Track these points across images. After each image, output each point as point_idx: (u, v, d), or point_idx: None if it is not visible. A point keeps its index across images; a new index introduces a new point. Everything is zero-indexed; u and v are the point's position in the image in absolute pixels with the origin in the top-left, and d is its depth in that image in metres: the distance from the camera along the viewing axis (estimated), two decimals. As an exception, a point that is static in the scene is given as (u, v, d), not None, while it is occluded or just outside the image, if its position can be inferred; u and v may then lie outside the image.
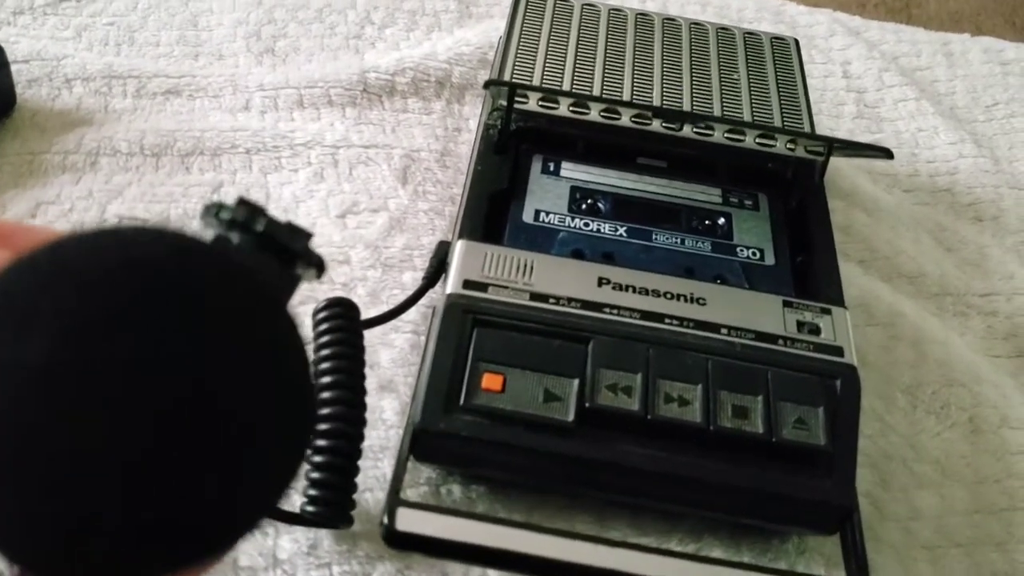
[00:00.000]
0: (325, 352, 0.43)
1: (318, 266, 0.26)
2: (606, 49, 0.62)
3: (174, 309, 0.20)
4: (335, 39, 0.73)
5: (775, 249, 0.53)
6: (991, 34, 0.86)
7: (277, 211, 0.55)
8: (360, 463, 0.43)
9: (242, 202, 0.25)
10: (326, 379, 0.42)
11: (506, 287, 0.47)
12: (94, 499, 0.19)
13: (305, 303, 0.48)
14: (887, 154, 0.54)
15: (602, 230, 0.52)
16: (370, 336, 0.49)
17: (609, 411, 0.43)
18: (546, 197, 0.54)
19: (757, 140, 0.57)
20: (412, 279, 0.56)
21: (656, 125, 0.57)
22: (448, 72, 0.70)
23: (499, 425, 0.43)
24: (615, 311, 0.47)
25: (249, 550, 0.44)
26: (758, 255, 0.52)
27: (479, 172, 0.54)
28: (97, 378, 0.19)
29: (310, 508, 0.42)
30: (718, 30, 0.66)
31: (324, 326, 0.44)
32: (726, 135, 0.57)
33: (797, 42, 0.66)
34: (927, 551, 0.48)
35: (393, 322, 0.52)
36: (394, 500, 0.40)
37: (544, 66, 0.60)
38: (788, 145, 0.57)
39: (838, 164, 0.65)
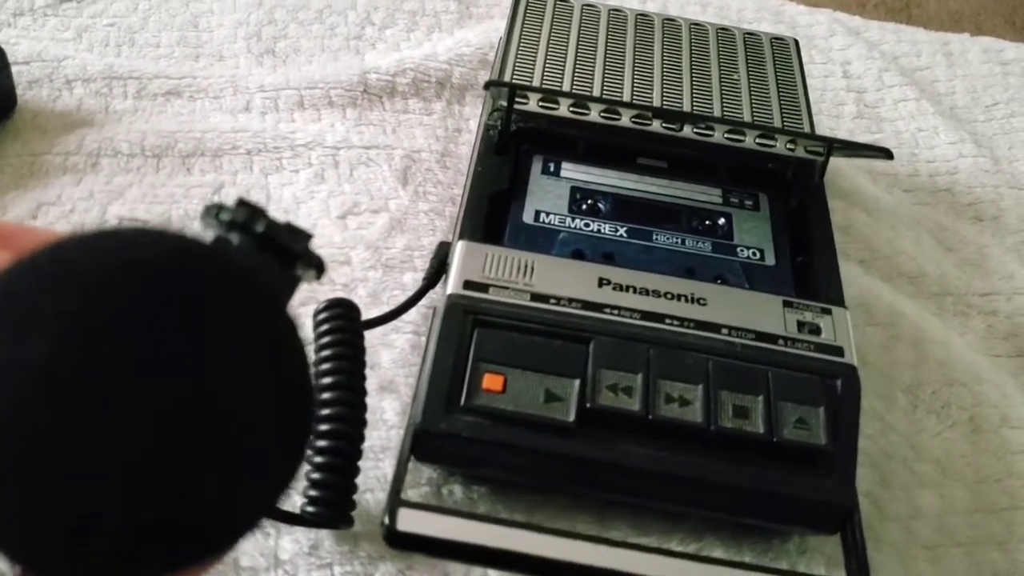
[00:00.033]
0: (326, 353, 0.43)
1: (318, 267, 0.26)
2: (606, 50, 0.62)
3: (174, 309, 0.20)
4: (335, 40, 0.73)
5: (775, 249, 0.53)
6: (991, 34, 0.86)
7: (278, 212, 0.56)
8: (361, 463, 0.43)
9: (242, 203, 0.25)
10: (327, 380, 0.42)
11: (507, 288, 0.47)
12: (94, 499, 0.19)
13: (306, 304, 0.48)
14: (887, 154, 0.54)
15: (602, 230, 0.52)
16: (371, 337, 0.49)
17: (610, 411, 0.43)
18: (546, 198, 0.54)
19: (757, 140, 0.57)
20: (413, 280, 0.56)
21: (656, 125, 0.57)
22: (448, 73, 0.70)
23: (500, 425, 0.43)
24: (616, 311, 0.47)
25: (250, 551, 0.44)
26: (758, 255, 0.52)
27: (479, 173, 0.54)
28: (97, 378, 0.19)
29: (311, 508, 0.42)
30: (718, 30, 0.66)
31: (325, 327, 0.44)
32: (726, 135, 0.57)
33: (797, 42, 0.66)
34: (928, 550, 0.48)
35: (394, 323, 0.52)
36: (395, 500, 0.40)
37: (544, 67, 0.60)
38: (788, 145, 0.57)
39: (838, 164, 0.65)
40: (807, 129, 0.58)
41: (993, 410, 0.54)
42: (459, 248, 0.49)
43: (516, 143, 0.57)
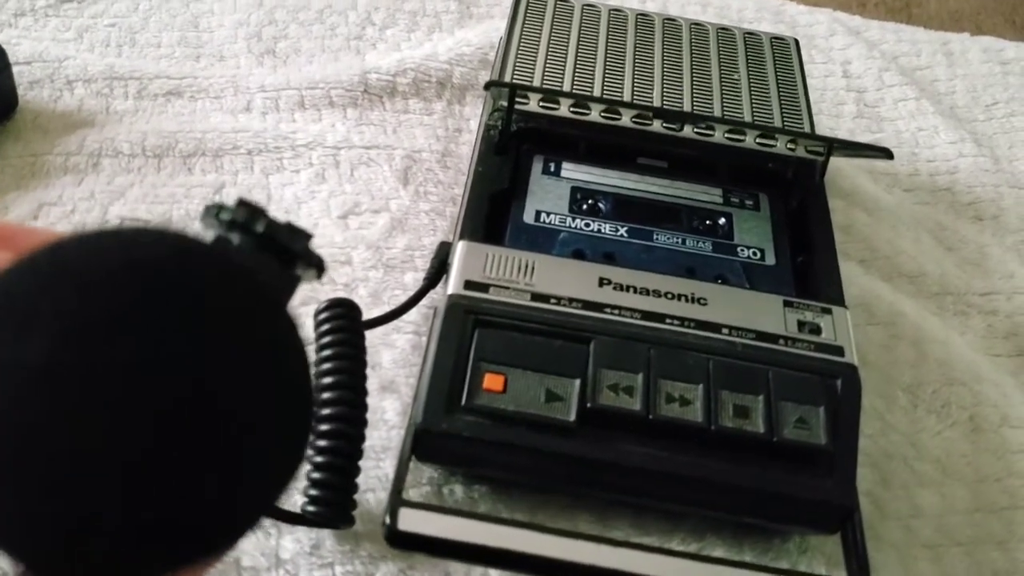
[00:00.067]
0: (326, 353, 0.43)
1: (318, 266, 0.26)
2: (606, 50, 0.62)
3: (174, 309, 0.20)
4: (336, 40, 0.73)
5: (776, 249, 0.53)
6: (991, 33, 0.86)
7: (279, 212, 0.56)
8: (362, 463, 0.44)
9: (242, 203, 0.25)
10: (327, 379, 0.42)
11: (507, 287, 0.47)
12: (94, 499, 0.19)
13: (307, 304, 0.48)
14: (887, 154, 0.54)
15: (603, 230, 0.52)
16: (371, 337, 0.49)
17: (611, 411, 0.43)
18: (547, 198, 0.54)
19: (757, 140, 0.57)
20: (413, 280, 0.56)
21: (656, 125, 0.57)
22: (449, 73, 0.70)
23: (501, 425, 0.43)
24: (616, 311, 0.47)
25: (252, 550, 0.44)
26: (759, 255, 0.52)
27: (480, 173, 0.54)
28: (97, 378, 0.19)
29: (312, 508, 0.42)
30: (718, 30, 0.66)
31: (325, 327, 0.44)
32: (726, 135, 0.57)
33: (797, 42, 0.66)
34: (928, 550, 0.48)
35: (394, 323, 0.52)
36: (396, 500, 0.40)
37: (545, 67, 0.60)
38: (788, 145, 0.57)
39: (838, 164, 0.65)
40: (807, 129, 0.58)
41: (993, 409, 0.54)
42: (460, 248, 0.49)
43: (517, 143, 0.57)
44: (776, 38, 0.66)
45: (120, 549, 0.20)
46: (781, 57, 0.64)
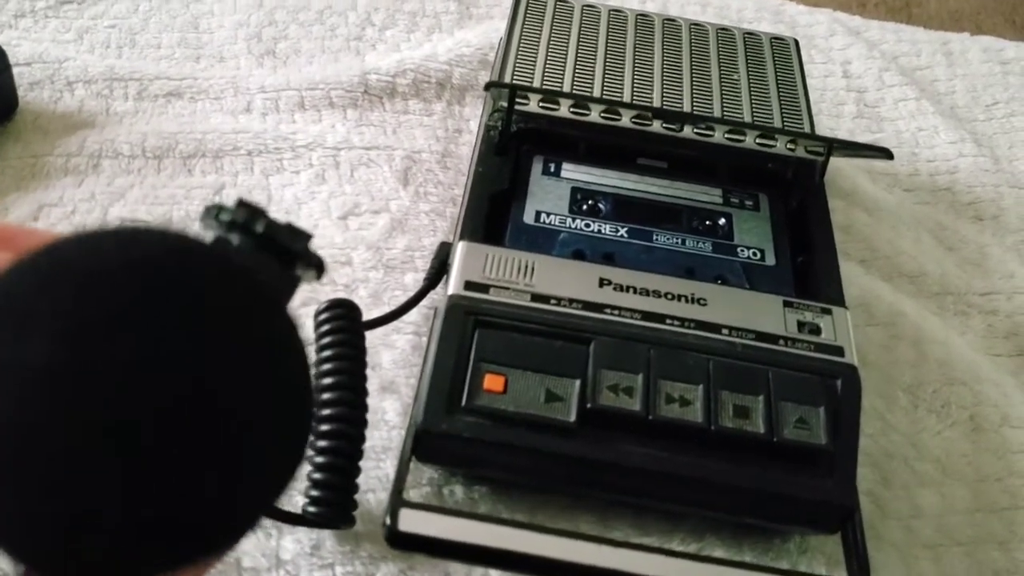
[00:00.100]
0: (327, 353, 0.43)
1: (318, 267, 0.26)
2: (606, 50, 0.62)
3: (173, 308, 0.20)
4: (336, 41, 0.73)
5: (776, 249, 0.53)
6: (991, 33, 0.86)
7: (279, 213, 0.55)
8: (362, 464, 0.44)
9: (242, 204, 0.25)
10: (328, 380, 0.42)
11: (507, 288, 0.47)
12: (94, 497, 0.19)
13: (307, 304, 0.48)
14: (887, 154, 0.54)
15: (603, 231, 0.52)
16: (372, 337, 0.49)
17: (611, 411, 0.43)
18: (547, 198, 0.54)
19: (757, 140, 0.57)
20: (414, 280, 0.56)
21: (656, 126, 0.57)
22: (449, 73, 0.70)
23: (501, 426, 0.43)
24: (616, 312, 0.47)
25: (252, 551, 0.44)
26: (759, 255, 0.52)
27: (480, 173, 0.54)
28: (97, 377, 0.19)
29: (312, 509, 0.42)
30: (718, 31, 0.66)
31: (326, 327, 0.44)
32: (726, 136, 0.57)
33: (797, 42, 0.66)
34: (928, 550, 0.48)
35: (395, 323, 0.52)
36: (396, 501, 0.40)
37: (544, 67, 0.60)
38: (788, 145, 0.57)
39: (838, 164, 0.65)
40: (807, 129, 0.58)
41: (993, 409, 0.54)
42: (460, 249, 0.49)
43: (516, 144, 0.57)
44: (776, 38, 0.66)
45: (120, 547, 0.20)
46: (781, 57, 0.64)
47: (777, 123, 0.58)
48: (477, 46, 0.72)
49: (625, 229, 0.53)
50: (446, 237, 0.58)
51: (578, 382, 0.44)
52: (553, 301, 0.47)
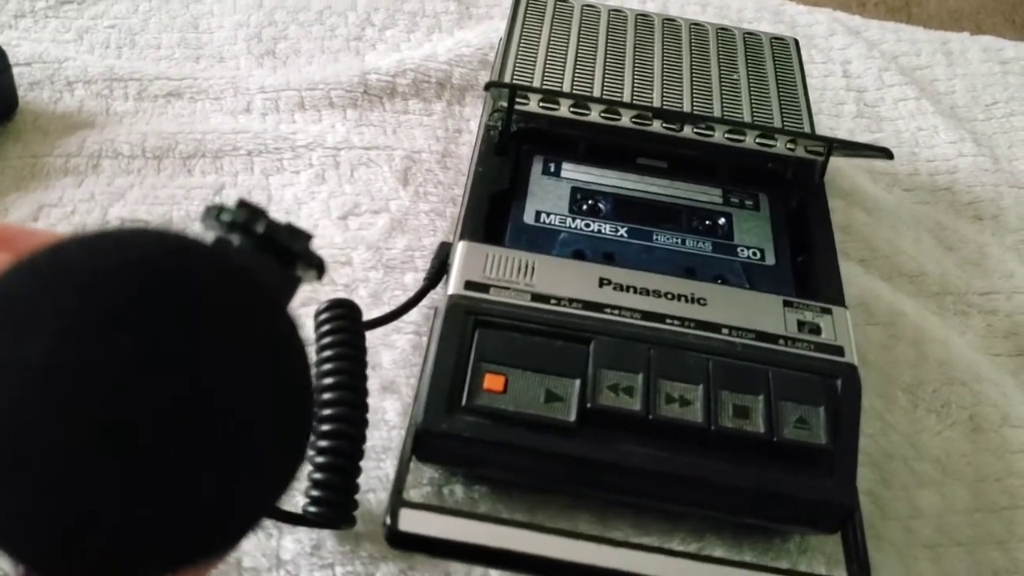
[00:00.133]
0: (327, 353, 0.43)
1: (318, 267, 0.26)
2: (606, 50, 0.62)
3: (171, 308, 0.20)
4: (336, 41, 0.73)
5: (775, 249, 0.53)
6: (991, 33, 0.86)
7: (279, 213, 0.56)
8: (362, 464, 0.44)
9: (242, 204, 0.25)
10: (328, 380, 0.42)
11: (507, 288, 0.47)
12: (91, 497, 0.19)
13: (307, 304, 0.48)
14: (887, 154, 0.55)
15: (603, 231, 0.52)
16: (372, 337, 0.49)
17: (611, 411, 0.43)
18: (547, 198, 0.54)
19: (757, 140, 0.57)
20: (414, 280, 0.56)
21: (656, 126, 0.57)
22: (448, 73, 0.70)
23: (501, 425, 0.43)
24: (616, 311, 0.47)
25: (252, 551, 0.44)
26: (759, 255, 0.53)
27: (480, 173, 0.54)
28: (94, 378, 0.19)
29: (313, 509, 0.42)
30: (718, 30, 0.66)
31: (326, 327, 0.44)
32: (726, 135, 0.57)
33: (797, 42, 0.66)
34: (928, 549, 0.48)
35: (395, 323, 0.52)
36: (397, 500, 0.40)
37: (544, 67, 0.60)
38: (788, 145, 0.57)
39: (838, 163, 0.65)
40: (807, 129, 0.58)
41: (993, 409, 0.54)
42: (460, 248, 0.49)
43: (516, 143, 0.57)
44: (776, 38, 0.66)
45: (118, 547, 0.20)
46: (781, 57, 0.64)
47: (777, 123, 0.58)
48: (477, 46, 0.72)
49: (625, 229, 0.53)
50: (446, 237, 0.58)
51: (578, 382, 0.44)
52: (553, 301, 0.47)
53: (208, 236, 0.24)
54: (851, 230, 0.63)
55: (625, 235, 0.52)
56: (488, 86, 0.58)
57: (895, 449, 0.52)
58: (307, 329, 0.44)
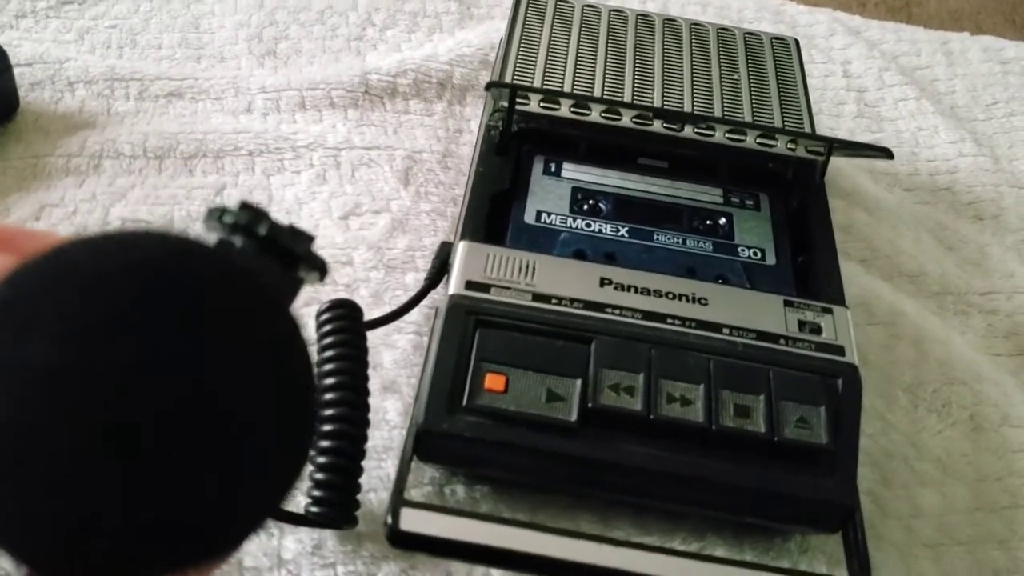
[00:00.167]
0: (328, 353, 0.43)
1: (321, 269, 0.26)
2: (607, 50, 0.62)
3: (174, 310, 0.21)
4: (336, 41, 0.73)
5: (776, 249, 0.53)
6: (991, 33, 0.86)
7: (279, 213, 0.56)
8: (364, 464, 0.44)
9: (245, 206, 0.25)
10: (329, 380, 0.43)
11: (508, 288, 0.47)
12: (94, 499, 0.19)
13: (308, 305, 0.48)
14: (887, 154, 0.55)
15: (604, 231, 0.52)
16: (373, 337, 0.49)
17: (612, 411, 0.43)
18: (548, 198, 0.54)
19: (758, 140, 0.57)
20: (414, 280, 0.56)
21: (657, 126, 0.57)
22: (449, 73, 0.70)
23: (502, 425, 0.43)
24: (617, 311, 0.47)
25: (254, 551, 0.44)
26: (759, 255, 0.53)
27: (481, 173, 0.55)
28: (98, 379, 0.19)
29: (314, 509, 0.42)
30: (718, 30, 0.66)
31: (327, 327, 0.44)
32: (727, 135, 0.57)
33: (797, 42, 0.66)
34: (929, 549, 0.48)
35: (396, 323, 0.52)
36: (398, 500, 0.40)
37: (545, 67, 0.60)
38: (789, 145, 0.57)
39: (839, 163, 0.65)
40: (807, 129, 0.58)
41: (993, 409, 0.54)
42: (461, 248, 0.49)
43: (517, 143, 0.57)
44: (776, 38, 0.66)
45: (120, 549, 0.20)
46: (781, 57, 0.64)
47: (777, 123, 0.58)
48: (478, 46, 0.72)
49: (626, 229, 0.53)
50: (447, 237, 0.58)
51: (579, 382, 0.44)
52: (554, 301, 0.47)
53: (211, 238, 0.25)
54: (852, 230, 0.63)
55: (626, 235, 0.52)
56: (489, 86, 0.58)
57: (896, 449, 0.52)
58: (308, 329, 0.45)
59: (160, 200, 0.59)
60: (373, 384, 0.45)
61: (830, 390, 0.45)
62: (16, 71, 0.62)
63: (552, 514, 0.46)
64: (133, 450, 0.19)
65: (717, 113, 0.58)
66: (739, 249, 0.53)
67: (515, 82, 0.58)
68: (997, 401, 0.54)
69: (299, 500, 0.43)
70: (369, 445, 0.44)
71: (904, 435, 0.52)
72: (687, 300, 0.48)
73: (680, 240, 0.52)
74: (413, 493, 0.46)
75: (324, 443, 0.42)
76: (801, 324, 0.48)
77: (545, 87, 0.58)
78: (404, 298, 0.52)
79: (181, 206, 0.59)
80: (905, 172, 0.70)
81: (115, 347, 0.20)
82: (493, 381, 0.44)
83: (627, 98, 0.58)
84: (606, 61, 0.61)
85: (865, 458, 0.48)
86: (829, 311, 0.49)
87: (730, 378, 0.45)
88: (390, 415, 0.50)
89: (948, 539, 0.48)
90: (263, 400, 0.21)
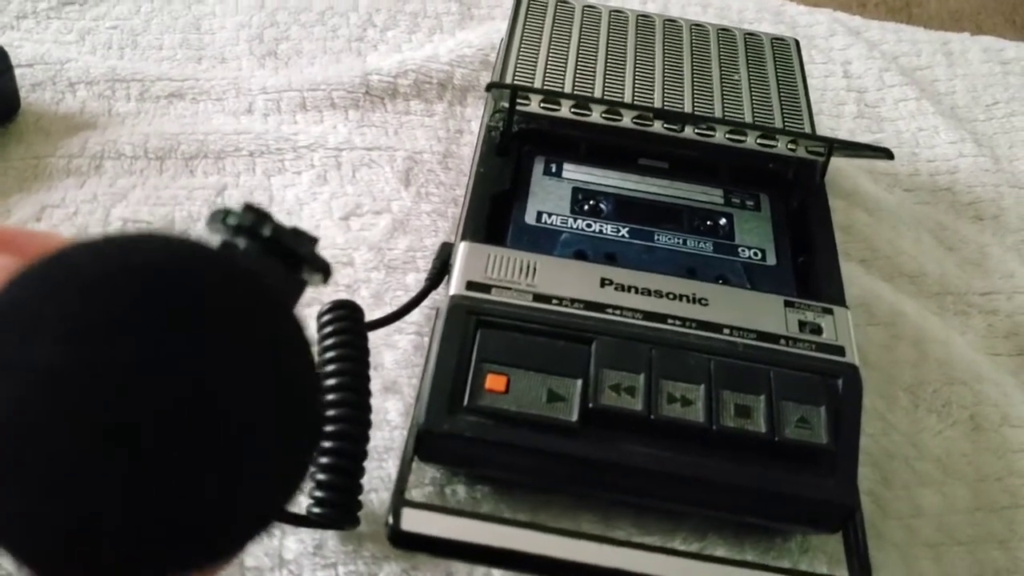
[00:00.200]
0: (329, 354, 0.43)
1: (324, 271, 0.26)
2: (607, 51, 0.62)
3: (174, 310, 0.21)
4: (337, 42, 0.73)
5: (776, 249, 0.53)
6: (991, 33, 0.86)
7: (280, 213, 0.56)
8: (365, 464, 0.44)
9: (249, 208, 0.25)
10: (330, 381, 0.43)
11: (509, 288, 0.47)
12: (94, 499, 0.19)
13: (310, 305, 0.48)
14: (887, 154, 0.55)
15: (604, 231, 0.52)
16: (374, 338, 0.49)
17: (612, 411, 0.43)
18: (548, 198, 0.54)
19: (758, 141, 0.57)
20: (415, 281, 0.56)
21: (657, 126, 0.57)
22: (450, 74, 0.70)
23: (503, 425, 0.43)
24: (618, 312, 0.47)
25: (255, 551, 0.44)
26: (760, 255, 0.53)
27: (481, 174, 0.55)
28: (99, 380, 0.19)
29: (316, 509, 0.42)
30: (719, 31, 0.66)
31: (328, 328, 0.44)
32: (727, 136, 0.57)
33: (797, 42, 0.66)
34: (929, 549, 0.48)
35: (397, 324, 0.52)
36: (399, 500, 0.40)
37: (546, 68, 0.60)
38: (789, 145, 0.57)
39: (839, 164, 0.66)
40: (808, 129, 0.58)
41: (994, 409, 0.54)
42: (461, 249, 0.49)
43: (518, 144, 0.57)
44: (776, 39, 0.66)
45: (120, 549, 0.20)
46: (781, 58, 0.64)
47: (778, 123, 0.58)
48: (478, 47, 0.72)
49: (626, 229, 0.53)
50: (448, 237, 0.58)
51: (580, 382, 0.44)
52: (555, 301, 0.47)
53: (214, 240, 0.25)
54: (852, 230, 0.63)
55: (626, 235, 0.52)
56: (489, 87, 0.58)
57: (896, 449, 0.52)
58: (310, 330, 0.45)
59: (161, 201, 0.59)
60: (374, 384, 0.45)
61: (830, 390, 0.45)
62: (17, 72, 0.62)
63: (553, 514, 0.46)
64: (133, 450, 0.19)
65: (717, 114, 0.58)
66: (739, 249, 0.53)
67: (516, 83, 0.58)
68: (997, 401, 0.54)
69: (301, 500, 0.43)
70: (370, 445, 0.44)
71: (904, 435, 0.52)
72: (688, 300, 0.48)
73: (680, 240, 0.52)
74: (414, 493, 0.46)
75: (326, 444, 0.42)
76: (801, 324, 0.48)
77: (546, 88, 0.58)
78: (405, 299, 0.52)
79: (182, 207, 0.59)
80: (905, 172, 0.70)
81: (116, 347, 0.20)
82: (494, 381, 0.44)
83: (627, 99, 0.58)
84: (606, 62, 0.61)
85: (865, 458, 0.48)
86: (829, 311, 0.49)
87: (731, 378, 0.45)
88: (391, 415, 0.50)
89: (948, 539, 0.49)
90: (263, 400, 0.21)
